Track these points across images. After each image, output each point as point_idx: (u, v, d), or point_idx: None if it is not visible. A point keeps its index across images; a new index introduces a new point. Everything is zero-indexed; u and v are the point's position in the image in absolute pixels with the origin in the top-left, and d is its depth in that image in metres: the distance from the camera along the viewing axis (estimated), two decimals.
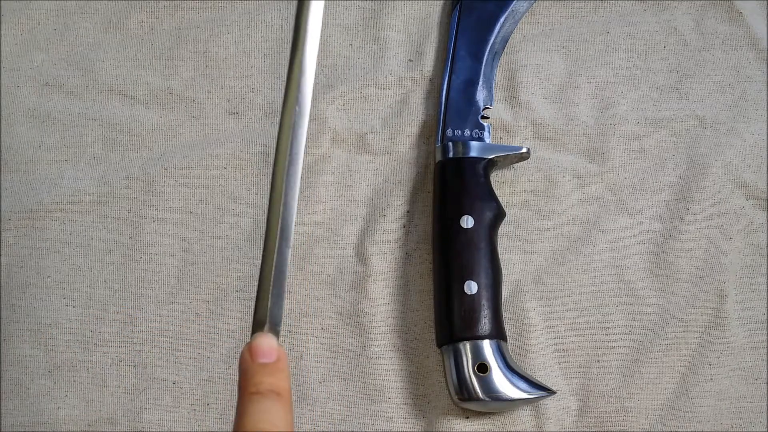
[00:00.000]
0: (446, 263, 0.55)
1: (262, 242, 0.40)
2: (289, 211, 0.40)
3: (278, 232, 0.40)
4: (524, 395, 0.53)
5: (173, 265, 0.57)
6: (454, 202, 0.56)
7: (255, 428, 0.37)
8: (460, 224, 0.55)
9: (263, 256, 0.40)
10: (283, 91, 0.60)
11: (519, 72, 0.62)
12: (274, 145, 0.59)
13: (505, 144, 0.60)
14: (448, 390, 0.54)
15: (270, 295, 0.40)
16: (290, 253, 0.40)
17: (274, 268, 0.40)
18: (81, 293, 0.56)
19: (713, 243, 0.59)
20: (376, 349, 0.56)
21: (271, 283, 0.40)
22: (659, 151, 0.61)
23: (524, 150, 0.58)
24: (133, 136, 0.59)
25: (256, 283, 0.40)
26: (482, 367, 0.53)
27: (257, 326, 0.40)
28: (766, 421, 0.55)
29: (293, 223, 0.40)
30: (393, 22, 0.63)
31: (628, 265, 0.58)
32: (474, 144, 0.58)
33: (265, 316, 0.40)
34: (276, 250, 0.40)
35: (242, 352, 0.39)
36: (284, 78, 0.61)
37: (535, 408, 0.55)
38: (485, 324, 0.53)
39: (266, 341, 0.40)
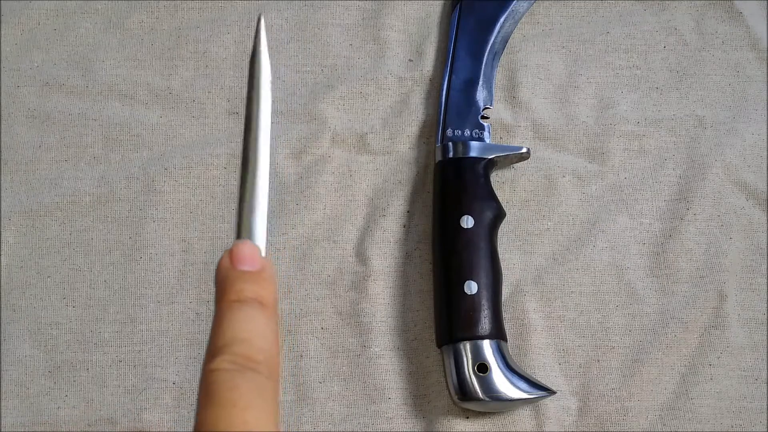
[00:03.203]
0: (446, 263, 0.55)
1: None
2: (264, 123, 0.35)
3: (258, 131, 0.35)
4: (524, 395, 0.53)
5: (173, 265, 0.57)
6: (454, 202, 0.56)
7: (235, 337, 0.30)
8: (460, 224, 0.55)
9: (242, 157, 0.35)
10: (281, 90, 0.61)
11: (519, 72, 0.62)
12: (275, 145, 0.59)
13: (505, 144, 0.60)
14: (448, 390, 0.54)
15: (250, 206, 0.33)
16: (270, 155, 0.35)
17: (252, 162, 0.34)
18: (81, 293, 0.56)
19: (713, 243, 0.59)
20: (376, 349, 0.56)
21: (253, 184, 0.34)
22: (659, 151, 0.61)
23: (524, 150, 0.58)
24: (133, 136, 0.59)
25: None
26: (482, 367, 0.53)
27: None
28: (766, 421, 0.55)
29: (269, 132, 0.35)
30: (393, 22, 0.62)
31: (628, 265, 0.58)
32: (474, 144, 0.57)
33: (247, 233, 0.33)
34: (252, 147, 0.35)
35: (220, 260, 0.32)
36: (283, 78, 0.61)
37: (535, 408, 0.55)
38: (485, 324, 0.53)
39: (248, 248, 0.32)
